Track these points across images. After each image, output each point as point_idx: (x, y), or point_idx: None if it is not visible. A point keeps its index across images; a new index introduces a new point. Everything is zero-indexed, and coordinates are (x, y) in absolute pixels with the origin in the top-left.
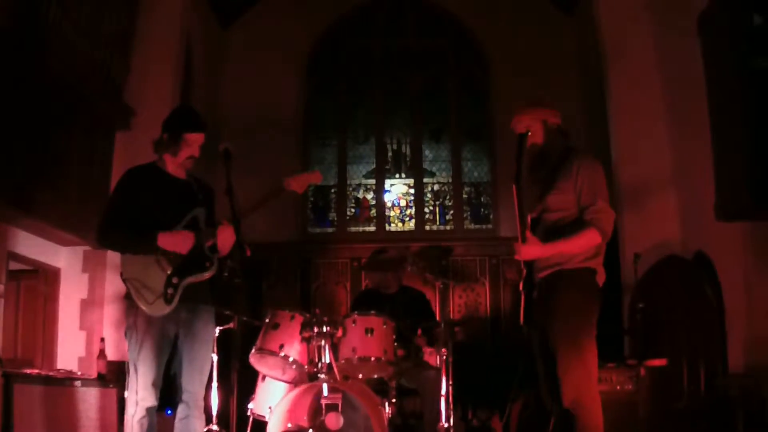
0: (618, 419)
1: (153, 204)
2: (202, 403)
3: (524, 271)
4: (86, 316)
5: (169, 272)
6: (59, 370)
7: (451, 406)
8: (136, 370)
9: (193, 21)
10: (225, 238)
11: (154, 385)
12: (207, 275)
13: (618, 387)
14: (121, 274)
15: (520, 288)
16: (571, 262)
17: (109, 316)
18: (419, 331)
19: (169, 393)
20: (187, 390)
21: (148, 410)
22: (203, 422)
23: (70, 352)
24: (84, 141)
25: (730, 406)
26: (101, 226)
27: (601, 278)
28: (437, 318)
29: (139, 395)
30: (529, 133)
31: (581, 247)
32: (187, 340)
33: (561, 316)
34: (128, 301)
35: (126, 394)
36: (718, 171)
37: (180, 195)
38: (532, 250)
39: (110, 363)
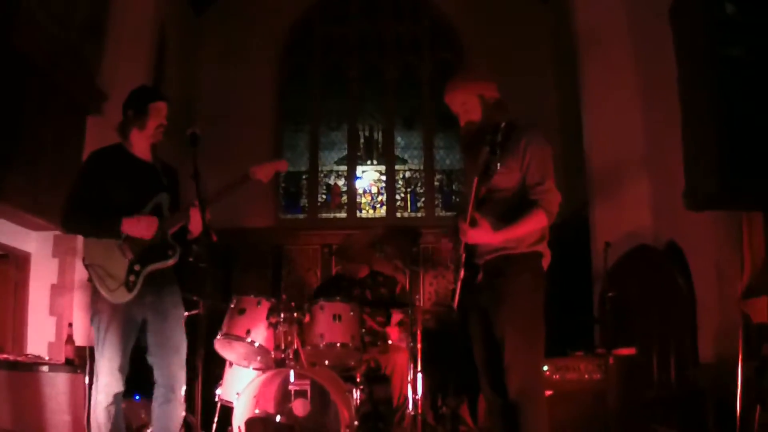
0: (586, 408)
1: (117, 187)
2: (182, 386)
3: (463, 255)
4: (56, 302)
5: (131, 259)
6: (28, 355)
7: (420, 393)
8: (102, 355)
9: (166, 7)
10: (197, 220)
11: (120, 370)
12: (170, 263)
13: (586, 376)
14: (83, 260)
15: (461, 273)
16: (518, 247)
17: (79, 301)
18: (392, 315)
19: (136, 377)
20: (165, 374)
21: (115, 396)
22: (183, 407)
23: (40, 337)
24: (55, 125)
25: (700, 396)
26: (65, 209)
27: (546, 261)
28: (406, 303)
29: (105, 381)
30: (463, 111)
31: (530, 230)
32: (157, 323)
33: (509, 301)
34: (92, 286)
35: (86, 379)
36: (687, 160)
37: (145, 178)
38: (481, 234)
39: (79, 348)
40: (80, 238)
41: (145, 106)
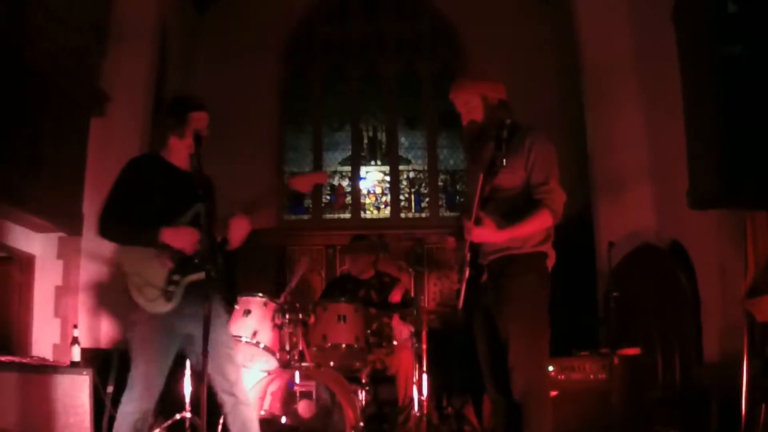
0: (591, 408)
1: (156, 195)
2: (243, 389)
3: (468, 255)
4: (61, 303)
5: (170, 268)
6: (32, 357)
7: (425, 394)
8: (136, 368)
9: (169, 6)
10: (238, 230)
11: (154, 386)
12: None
13: (591, 376)
14: (120, 267)
15: (466, 273)
16: (522, 247)
17: (84, 303)
18: (395, 317)
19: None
20: (224, 383)
21: (144, 413)
22: (252, 406)
23: (45, 339)
24: (58, 127)
25: (704, 396)
26: (102, 217)
27: (551, 262)
28: (411, 304)
29: (137, 395)
30: (467, 110)
31: (534, 229)
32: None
33: (514, 302)
34: (129, 296)
35: (109, 386)
36: (690, 159)
37: (183, 187)
38: (486, 233)
39: (83, 350)
40: (85, 240)
41: (185, 114)
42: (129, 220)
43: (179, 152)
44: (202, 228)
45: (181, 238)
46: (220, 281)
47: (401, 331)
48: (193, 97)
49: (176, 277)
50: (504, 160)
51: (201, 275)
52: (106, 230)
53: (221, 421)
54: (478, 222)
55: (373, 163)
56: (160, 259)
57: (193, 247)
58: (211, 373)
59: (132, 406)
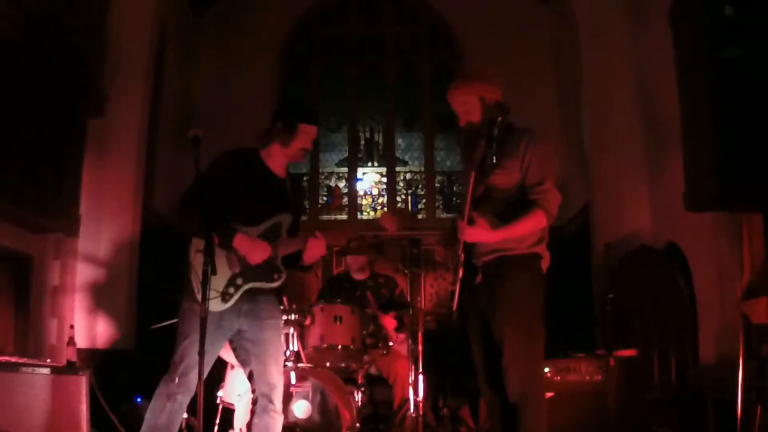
0: (587, 410)
1: (243, 194)
2: (280, 395)
3: (462, 256)
4: (57, 304)
5: (235, 271)
6: (29, 357)
7: (421, 395)
8: (181, 353)
9: (166, 8)
10: (314, 250)
11: (194, 374)
12: (273, 286)
13: (587, 377)
14: (189, 255)
15: (460, 273)
16: (516, 248)
17: (81, 303)
18: (392, 314)
19: (139, 379)
20: (263, 384)
21: (178, 397)
22: (282, 416)
23: (41, 339)
24: (56, 127)
25: (701, 397)
26: (184, 203)
27: (545, 263)
28: (408, 306)
29: (176, 379)
30: (466, 111)
31: (528, 230)
32: (253, 332)
33: (508, 304)
34: (189, 286)
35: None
36: (687, 161)
37: (273, 193)
38: (479, 233)
39: (80, 350)
40: (82, 241)
41: (295, 123)
42: (208, 213)
43: (278, 158)
44: (279, 239)
45: (253, 250)
46: (280, 289)
47: (397, 336)
48: (307, 107)
49: (239, 281)
50: (495, 158)
51: (263, 285)
52: (183, 217)
53: (217, 421)
54: (471, 222)
55: (369, 164)
56: (229, 259)
57: (259, 261)
58: (255, 372)
59: (170, 389)
